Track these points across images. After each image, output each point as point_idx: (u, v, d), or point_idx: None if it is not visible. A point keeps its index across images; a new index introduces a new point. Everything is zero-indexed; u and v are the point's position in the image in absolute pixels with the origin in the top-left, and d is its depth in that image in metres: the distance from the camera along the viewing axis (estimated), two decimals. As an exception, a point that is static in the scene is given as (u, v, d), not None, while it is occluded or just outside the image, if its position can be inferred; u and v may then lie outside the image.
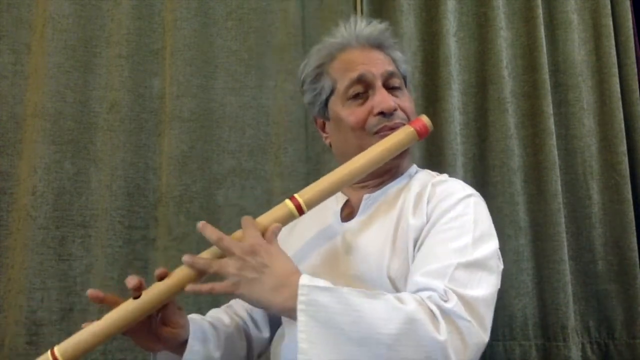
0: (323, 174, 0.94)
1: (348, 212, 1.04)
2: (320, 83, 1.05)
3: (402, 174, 1.05)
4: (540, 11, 1.57)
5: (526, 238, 1.47)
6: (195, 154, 1.47)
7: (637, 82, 1.59)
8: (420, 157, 1.52)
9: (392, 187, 1.02)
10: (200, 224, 0.84)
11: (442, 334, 0.74)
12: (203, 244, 0.87)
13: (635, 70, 1.59)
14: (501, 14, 1.58)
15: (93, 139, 1.44)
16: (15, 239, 1.36)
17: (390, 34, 1.07)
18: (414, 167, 1.08)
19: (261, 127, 1.53)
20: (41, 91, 1.41)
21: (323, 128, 1.11)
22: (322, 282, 0.77)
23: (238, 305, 1.11)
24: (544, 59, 1.54)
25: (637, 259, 1.46)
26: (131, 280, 0.81)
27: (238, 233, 0.85)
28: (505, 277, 1.43)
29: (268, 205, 1.23)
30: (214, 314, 1.07)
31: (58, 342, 1.29)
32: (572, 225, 1.51)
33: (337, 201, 1.06)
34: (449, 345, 0.73)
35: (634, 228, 1.48)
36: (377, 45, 1.05)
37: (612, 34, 1.60)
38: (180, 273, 0.83)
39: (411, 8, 1.58)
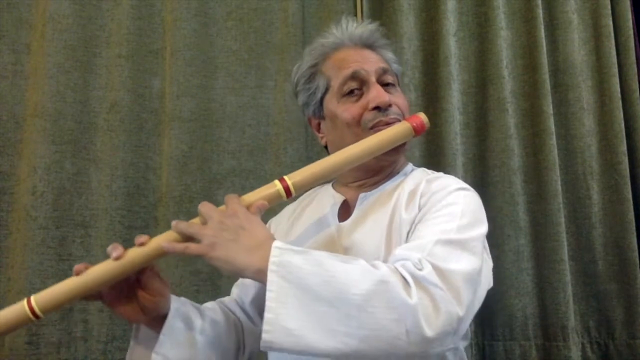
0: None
1: (345, 212, 1.05)
2: (314, 82, 1.06)
3: (397, 172, 1.05)
4: (540, 11, 1.57)
5: (526, 238, 1.48)
6: (195, 154, 1.47)
7: (637, 82, 1.59)
8: (420, 156, 1.52)
9: (387, 185, 1.03)
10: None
11: (413, 298, 0.73)
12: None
13: (635, 70, 1.59)
14: (501, 14, 1.58)
15: (93, 139, 1.44)
16: (15, 239, 1.36)
17: (380, 34, 1.09)
18: (410, 166, 1.09)
19: (261, 127, 1.53)
20: (41, 91, 1.41)
21: (318, 128, 1.11)
22: (297, 247, 0.77)
23: (229, 300, 1.09)
24: (544, 59, 1.54)
25: (637, 259, 1.46)
26: (114, 251, 0.81)
27: (222, 207, 0.85)
28: (505, 277, 1.45)
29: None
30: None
31: (58, 343, 1.32)
32: (572, 225, 1.51)
33: (334, 201, 1.06)
34: (419, 310, 0.72)
35: (634, 228, 1.48)
36: (369, 45, 1.06)
37: (612, 34, 1.60)
38: (162, 237, 0.82)
39: (411, 8, 1.58)
